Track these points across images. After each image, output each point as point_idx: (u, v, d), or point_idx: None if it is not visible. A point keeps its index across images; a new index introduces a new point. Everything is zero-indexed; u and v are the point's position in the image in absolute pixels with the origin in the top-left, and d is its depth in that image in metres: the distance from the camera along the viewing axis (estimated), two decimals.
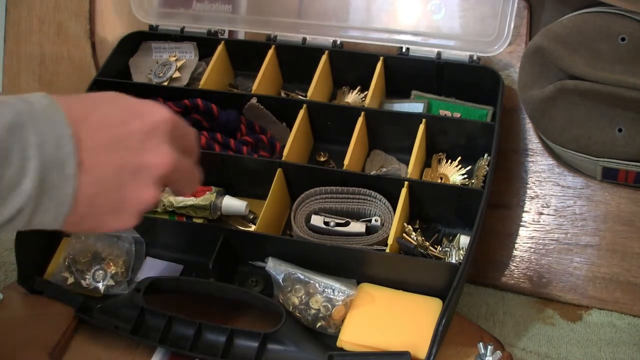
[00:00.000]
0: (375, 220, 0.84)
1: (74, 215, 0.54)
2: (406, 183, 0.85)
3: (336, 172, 0.88)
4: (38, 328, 0.80)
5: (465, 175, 0.91)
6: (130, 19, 1.10)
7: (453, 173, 0.92)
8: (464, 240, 0.84)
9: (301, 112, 0.93)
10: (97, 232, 0.59)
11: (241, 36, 1.09)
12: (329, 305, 0.77)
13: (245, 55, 1.05)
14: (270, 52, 1.01)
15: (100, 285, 0.84)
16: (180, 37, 1.07)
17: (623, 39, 0.82)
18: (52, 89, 1.14)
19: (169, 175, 0.58)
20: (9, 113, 0.51)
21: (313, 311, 0.77)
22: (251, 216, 0.89)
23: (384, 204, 0.85)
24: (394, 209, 0.83)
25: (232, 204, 0.88)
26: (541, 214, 0.92)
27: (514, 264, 0.91)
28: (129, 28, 1.09)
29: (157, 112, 0.59)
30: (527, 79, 0.87)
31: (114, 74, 1.04)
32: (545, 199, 0.92)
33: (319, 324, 0.78)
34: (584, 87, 0.81)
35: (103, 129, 0.55)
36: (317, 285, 0.78)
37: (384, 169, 0.91)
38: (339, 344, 0.77)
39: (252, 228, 0.86)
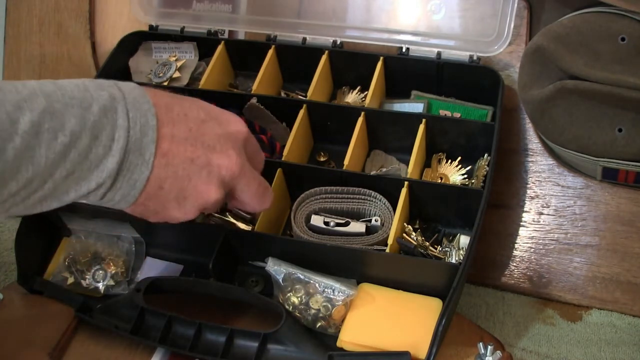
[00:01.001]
0: (375, 220, 0.84)
1: (142, 197, 0.60)
2: (406, 183, 0.85)
3: (336, 172, 0.88)
4: (38, 328, 0.80)
5: (465, 175, 0.91)
6: (130, 19, 1.10)
7: (453, 173, 0.92)
8: (464, 240, 0.84)
9: (301, 112, 0.93)
10: (159, 219, 0.65)
11: (241, 36, 1.09)
12: (329, 305, 0.77)
13: (245, 55, 1.05)
14: (270, 52, 1.01)
15: (100, 285, 0.84)
16: (180, 37, 1.07)
17: (623, 39, 0.82)
18: None
19: (234, 180, 0.65)
20: (105, 96, 0.56)
21: (313, 311, 0.77)
22: (250, 216, 0.89)
23: (384, 204, 0.85)
24: (394, 209, 0.83)
25: None
26: (541, 214, 0.92)
27: (514, 264, 0.91)
28: (129, 28, 1.09)
29: (235, 123, 0.66)
30: (527, 79, 0.87)
31: (114, 74, 1.04)
32: (545, 199, 0.92)
33: (319, 324, 0.78)
34: (584, 87, 0.81)
35: (183, 122, 0.61)
36: (317, 285, 0.78)
37: (384, 169, 0.91)
38: (339, 344, 0.77)
39: (250, 228, 0.86)
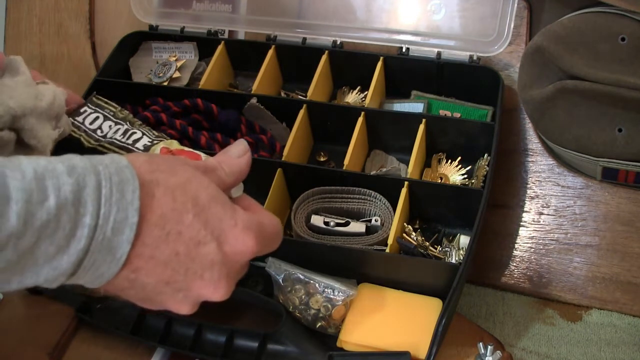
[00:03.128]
0: (375, 220, 0.84)
1: (112, 286, 0.50)
2: (406, 183, 0.85)
3: (336, 172, 0.88)
4: (38, 328, 0.80)
5: (465, 175, 0.91)
6: (130, 19, 1.10)
7: (453, 173, 0.92)
8: (464, 240, 0.84)
9: (301, 112, 0.93)
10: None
11: (241, 36, 1.09)
12: (329, 305, 0.77)
13: (245, 55, 1.05)
14: (270, 52, 1.01)
15: None
16: (180, 37, 1.07)
17: (623, 39, 0.82)
18: None
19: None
20: (67, 188, 0.45)
21: (313, 311, 0.77)
22: None
23: (384, 204, 0.85)
24: (394, 209, 0.83)
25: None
26: (541, 214, 0.92)
27: (514, 264, 0.91)
28: (129, 28, 1.09)
29: (241, 243, 0.52)
30: (527, 79, 0.87)
31: (114, 74, 1.04)
32: (545, 199, 0.92)
33: (319, 324, 0.78)
34: (584, 87, 0.81)
35: (172, 242, 0.49)
36: (317, 285, 0.78)
37: (384, 169, 0.91)
38: (339, 344, 0.77)
39: None
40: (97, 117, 0.80)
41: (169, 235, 0.49)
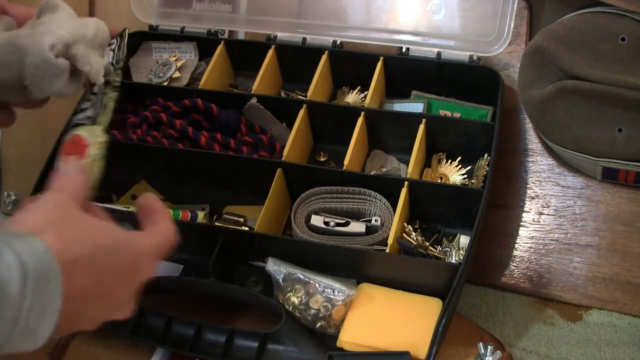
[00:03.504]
0: (375, 220, 0.84)
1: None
2: (406, 183, 0.85)
3: (336, 172, 0.88)
4: None
5: (465, 175, 0.91)
6: (130, 19, 1.10)
7: (453, 173, 0.92)
8: (464, 240, 0.84)
9: (301, 112, 0.93)
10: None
11: (241, 36, 1.09)
12: (329, 305, 0.77)
13: (245, 55, 1.05)
14: (270, 52, 1.01)
15: None
16: (180, 37, 1.07)
17: (623, 39, 0.82)
18: None
19: None
20: None
21: (313, 311, 0.77)
22: (241, 219, 0.88)
23: (384, 204, 0.85)
24: (394, 209, 0.83)
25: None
26: (541, 214, 0.92)
27: (514, 264, 0.91)
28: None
29: (147, 273, 0.57)
30: (527, 79, 0.87)
31: None
32: (545, 199, 0.92)
33: (319, 324, 0.78)
34: (583, 87, 0.81)
35: (92, 300, 0.52)
36: (317, 285, 0.78)
37: (384, 169, 0.91)
38: (339, 344, 0.77)
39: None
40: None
41: (90, 299, 0.52)
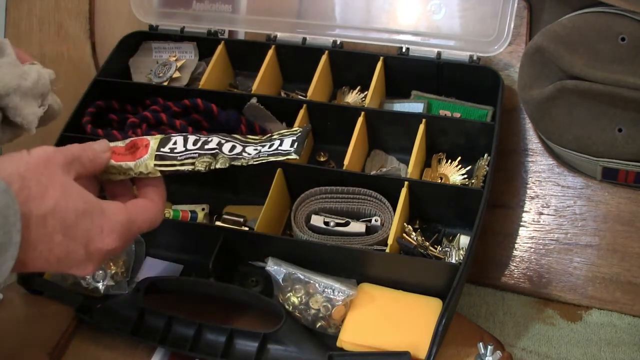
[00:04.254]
0: (375, 220, 0.84)
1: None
2: (406, 183, 0.85)
3: (336, 172, 0.88)
4: (38, 328, 0.80)
5: (465, 175, 0.91)
6: (130, 19, 1.10)
7: (453, 173, 0.92)
8: (464, 240, 0.84)
9: (301, 112, 0.93)
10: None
11: (241, 36, 1.09)
12: (329, 305, 0.77)
13: (245, 55, 1.05)
14: (270, 52, 1.01)
15: (100, 285, 0.84)
16: (180, 37, 1.07)
17: (623, 39, 0.82)
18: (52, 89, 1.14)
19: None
20: None
21: (313, 311, 0.77)
22: (241, 219, 0.88)
23: (384, 204, 0.85)
24: (394, 209, 0.83)
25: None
26: (541, 214, 0.92)
27: (514, 264, 0.91)
28: (129, 28, 1.09)
29: (105, 243, 0.59)
30: (527, 79, 0.87)
31: (114, 74, 1.04)
32: (545, 199, 0.92)
33: (319, 324, 0.78)
34: (584, 87, 0.81)
35: (44, 255, 0.56)
36: (317, 285, 0.78)
37: (384, 169, 0.91)
38: (339, 344, 0.77)
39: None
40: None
41: (41, 253, 0.55)
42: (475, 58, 0.96)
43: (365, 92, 0.99)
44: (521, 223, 0.92)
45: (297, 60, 1.03)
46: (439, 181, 0.91)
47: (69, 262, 0.58)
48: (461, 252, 0.83)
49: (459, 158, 0.93)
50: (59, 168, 0.58)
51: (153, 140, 0.68)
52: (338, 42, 1.01)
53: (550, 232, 0.91)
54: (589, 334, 0.84)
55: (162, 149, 0.68)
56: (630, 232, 0.88)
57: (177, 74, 1.03)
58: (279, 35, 1.04)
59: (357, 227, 0.84)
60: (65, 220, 0.56)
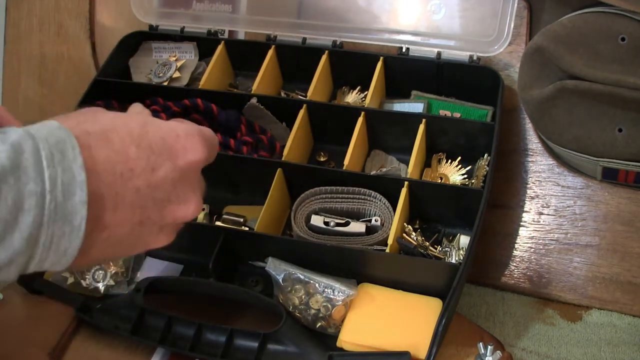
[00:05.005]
0: (375, 220, 0.84)
1: (80, 259, 0.47)
2: (406, 183, 0.85)
3: (336, 172, 0.88)
4: (38, 328, 0.80)
5: (465, 175, 0.91)
6: (130, 19, 1.10)
7: (453, 173, 0.92)
8: (464, 240, 0.84)
9: (301, 112, 0.93)
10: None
11: (241, 36, 1.09)
12: (329, 305, 0.77)
13: (245, 55, 1.05)
14: (270, 52, 1.01)
15: (100, 285, 0.84)
16: (180, 37, 1.07)
17: (623, 39, 0.82)
18: (52, 89, 1.14)
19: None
20: (3, 154, 0.41)
21: (313, 311, 0.77)
22: (241, 219, 0.88)
23: (384, 204, 0.85)
24: (394, 209, 0.83)
25: None
26: (541, 214, 0.92)
27: (514, 264, 0.91)
28: (129, 28, 1.09)
29: (191, 150, 0.52)
30: (527, 79, 0.87)
31: (114, 74, 1.04)
32: (545, 199, 0.92)
33: (319, 324, 0.78)
34: (584, 87, 0.81)
35: (129, 182, 0.47)
36: (317, 285, 0.78)
37: (384, 169, 0.91)
38: (339, 344, 0.77)
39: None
40: None
41: (122, 176, 0.47)
42: (475, 58, 0.96)
43: (365, 92, 0.99)
44: (521, 223, 0.92)
45: (297, 60, 1.03)
46: (439, 181, 0.91)
47: (163, 187, 0.49)
48: (461, 252, 0.83)
49: (459, 158, 0.93)
50: (106, 110, 0.52)
51: None
52: (338, 42, 1.01)
53: (550, 232, 0.91)
54: (589, 334, 0.84)
55: None
56: (630, 232, 0.88)
57: (177, 74, 1.03)
58: (279, 35, 1.04)
59: (357, 227, 0.84)
60: (131, 132, 0.48)
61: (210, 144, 0.54)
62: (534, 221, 0.92)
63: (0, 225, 0.41)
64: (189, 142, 0.52)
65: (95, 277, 0.84)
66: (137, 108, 0.57)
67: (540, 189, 0.93)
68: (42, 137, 0.44)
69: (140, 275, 0.85)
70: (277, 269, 0.79)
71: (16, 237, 0.42)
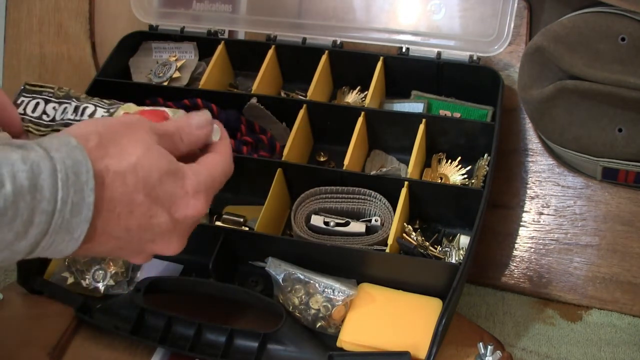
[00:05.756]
0: (375, 220, 0.84)
1: (77, 252, 0.52)
2: (406, 183, 0.85)
3: (336, 172, 0.88)
4: (38, 328, 0.80)
5: (465, 175, 0.91)
6: (130, 19, 1.10)
7: (453, 173, 0.92)
8: (464, 240, 0.84)
9: (301, 112, 0.93)
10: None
11: (241, 36, 1.09)
12: (329, 305, 0.77)
13: (245, 55, 1.05)
14: (270, 52, 1.01)
15: (100, 285, 0.84)
16: (180, 37, 1.07)
17: (623, 39, 0.82)
18: None
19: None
20: (23, 175, 0.45)
21: (313, 311, 0.77)
22: (241, 219, 0.88)
23: (384, 204, 0.85)
24: (394, 209, 0.83)
25: None
26: (541, 214, 0.92)
27: (514, 264, 0.91)
28: (129, 28, 1.09)
29: (192, 208, 0.55)
30: (527, 79, 0.87)
31: (114, 74, 1.04)
32: (545, 199, 0.92)
33: (319, 324, 0.78)
34: (584, 87, 0.81)
35: (124, 220, 0.51)
36: (317, 285, 0.78)
37: (384, 169, 0.91)
38: (339, 344, 0.77)
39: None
40: (38, 103, 0.72)
41: (120, 215, 0.51)
42: (475, 58, 0.96)
43: (365, 92, 0.99)
44: (521, 223, 0.92)
45: (297, 60, 1.03)
46: (439, 181, 0.91)
47: (152, 230, 0.53)
48: (461, 252, 0.83)
49: (459, 158, 0.93)
50: (143, 131, 0.54)
51: (171, 112, 0.67)
52: (338, 42, 1.01)
53: (550, 232, 0.91)
54: (589, 334, 0.84)
55: None
56: (630, 232, 0.88)
57: (177, 74, 1.03)
58: (279, 35, 1.04)
59: (357, 227, 0.84)
60: (148, 179, 0.52)
61: (216, 188, 0.59)
62: (534, 221, 0.92)
63: (11, 235, 0.46)
64: (193, 200, 0.55)
65: (95, 277, 0.84)
66: (201, 118, 0.60)
67: (540, 189, 0.93)
68: (60, 159, 0.47)
69: (140, 275, 0.85)
70: (277, 269, 0.79)
71: (23, 244, 0.47)
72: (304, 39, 1.03)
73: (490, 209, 0.92)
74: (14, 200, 0.45)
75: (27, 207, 0.45)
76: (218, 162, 0.60)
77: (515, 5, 0.93)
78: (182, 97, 0.96)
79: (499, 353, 0.73)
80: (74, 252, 0.51)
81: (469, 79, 0.96)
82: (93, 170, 0.49)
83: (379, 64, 0.97)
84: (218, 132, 0.63)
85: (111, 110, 0.72)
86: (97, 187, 0.49)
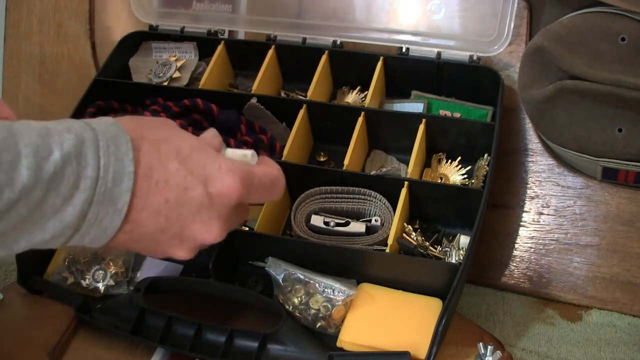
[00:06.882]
0: (375, 220, 0.84)
1: (116, 241, 0.55)
2: (406, 183, 0.85)
3: (336, 172, 0.88)
4: (38, 328, 0.80)
5: (465, 175, 0.91)
6: (130, 19, 1.10)
7: (453, 173, 0.92)
8: (464, 240, 0.84)
9: (301, 112, 0.93)
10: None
11: (241, 36, 1.09)
12: (329, 305, 0.77)
13: (245, 55, 1.05)
14: (270, 52, 1.01)
15: (100, 285, 0.84)
16: (180, 37, 1.07)
17: (623, 39, 0.82)
18: (52, 89, 1.14)
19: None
20: (70, 141, 0.49)
21: (313, 311, 0.77)
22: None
23: (384, 204, 0.85)
24: (394, 209, 0.83)
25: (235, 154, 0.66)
26: (541, 214, 0.92)
27: (514, 264, 0.91)
28: (129, 28, 1.09)
29: (226, 183, 0.56)
30: (527, 79, 0.87)
31: (114, 74, 1.04)
32: (545, 199, 0.92)
33: (319, 324, 0.78)
34: (584, 87, 0.81)
35: (161, 190, 0.54)
36: (317, 285, 0.78)
37: (384, 169, 0.91)
38: (339, 344, 0.77)
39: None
40: None
41: (158, 184, 0.54)
42: (475, 58, 0.96)
43: (365, 92, 0.99)
44: (521, 223, 0.92)
45: (297, 60, 1.03)
46: (439, 181, 0.91)
47: (189, 205, 0.55)
48: (461, 252, 0.83)
49: (459, 158, 0.93)
50: (173, 123, 0.58)
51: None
52: (338, 42, 1.01)
53: (550, 232, 0.91)
54: (589, 334, 0.84)
55: None
56: (630, 232, 0.88)
57: (177, 74, 1.03)
58: (279, 35, 1.04)
59: (357, 227, 0.84)
60: (180, 149, 0.55)
61: (255, 187, 0.59)
62: (534, 221, 0.92)
63: (59, 199, 0.49)
64: (227, 176, 0.56)
65: (95, 277, 0.84)
66: (211, 132, 0.64)
67: (540, 189, 0.93)
68: (101, 130, 0.52)
69: (140, 275, 0.85)
70: (277, 269, 0.79)
71: (69, 211, 0.50)
72: (304, 39, 1.03)
73: (490, 209, 0.92)
74: (62, 166, 0.48)
75: (73, 172, 0.49)
76: (262, 163, 0.63)
77: (515, 5, 0.93)
78: (182, 97, 0.96)
79: (499, 353, 0.73)
80: (118, 234, 0.53)
81: (469, 79, 0.96)
82: (131, 142, 0.52)
83: (379, 64, 0.97)
84: (255, 157, 0.64)
85: None
86: (134, 154, 0.52)
